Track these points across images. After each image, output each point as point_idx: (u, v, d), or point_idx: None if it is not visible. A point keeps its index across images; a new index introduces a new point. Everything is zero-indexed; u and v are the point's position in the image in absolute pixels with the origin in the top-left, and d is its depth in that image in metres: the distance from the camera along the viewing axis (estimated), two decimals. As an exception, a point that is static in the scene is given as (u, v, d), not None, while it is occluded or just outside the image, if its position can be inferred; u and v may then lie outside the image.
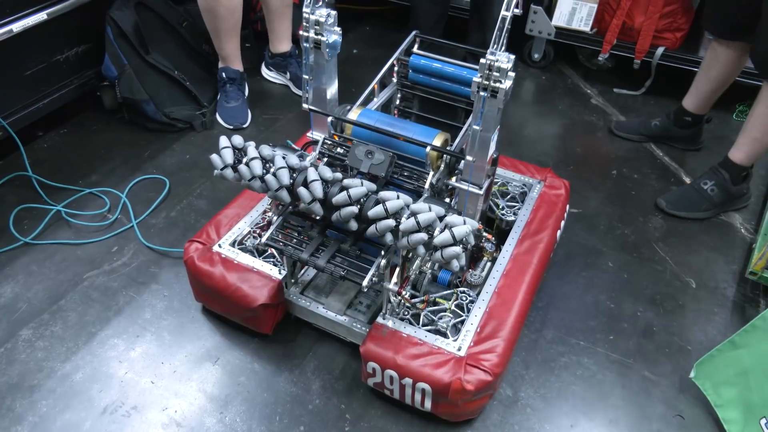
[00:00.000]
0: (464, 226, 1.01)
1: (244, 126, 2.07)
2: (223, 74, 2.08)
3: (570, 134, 2.17)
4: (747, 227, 1.78)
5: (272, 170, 1.12)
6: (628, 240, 1.71)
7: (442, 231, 1.02)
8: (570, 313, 1.49)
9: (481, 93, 1.09)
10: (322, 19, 1.20)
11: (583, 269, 1.61)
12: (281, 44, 2.25)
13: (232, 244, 1.39)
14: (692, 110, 1.98)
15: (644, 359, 1.39)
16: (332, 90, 1.34)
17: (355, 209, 1.06)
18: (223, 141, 1.15)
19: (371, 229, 1.06)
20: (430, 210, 1.03)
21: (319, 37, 1.22)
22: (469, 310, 1.28)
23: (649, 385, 1.34)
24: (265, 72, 2.37)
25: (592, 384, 1.33)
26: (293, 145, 1.71)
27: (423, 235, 1.01)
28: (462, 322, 1.25)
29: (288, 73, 2.29)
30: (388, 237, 1.05)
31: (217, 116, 2.09)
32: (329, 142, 1.31)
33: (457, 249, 1.00)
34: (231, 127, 2.06)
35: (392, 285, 1.17)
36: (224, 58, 2.08)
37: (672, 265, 1.64)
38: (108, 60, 1.91)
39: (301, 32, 1.22)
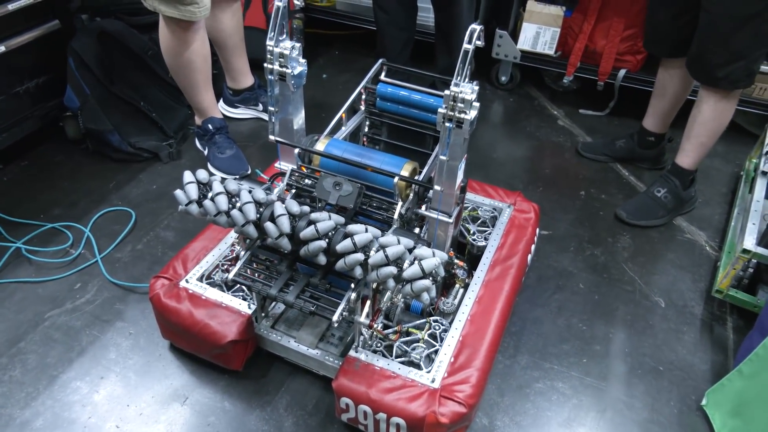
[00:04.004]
0: (433, 258, 1.00)
1: (248, 173, 1.97)
2: (209, 126, 1.96)
3: (538, 156, 2.20)
4: (712, 245, 1.82)
5: (238, 205, 1.10)
6: (597, 261, 1.73)
7: (411, 264, 1.01)
8: (543, 338, 1.49)
9: (447, 124, 1.09)
10: (287, 52, 1.19)
11: (555, 292, 1.62)
12: (245, 79, 2.18)
13: (200, 279, 1.36)
14: (653, 130, 2.04)
15: (617, 381, 1.40)
16: (299, 120, 1.33)
17: (323, 243, 1.05)
18: (187, 176, 1.13)
19: (340, 263, 1.05)
20: (398, 243, 1.02)
21: (284, 69, 1.21)
22: (442, 340, 1.27)
23: (623, 408, 1.34)
24: (229, 111, 2.26)
25: (566, 409, 1.33)
26: (262, 174, 1.70)
27: (392, 269, 1.01)
28: (436, 352, 1.24)
29: (260, 105, 2.25)
30: (357, 271, 1.04)
31: (213, 169, 1.96)
32: (297, 174, 1.30)
33: (427, 282, 0.99)
34: (237, 177, 1.96)
35: (363, 318, 1.15)
36: (204, 110, 1.96)
37: (641, 285, 1.66)
38: (70, 91, 1.87)
39: (265, 65, 1.22)
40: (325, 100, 2.43)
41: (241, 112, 2.27)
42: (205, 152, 2.02)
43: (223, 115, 2.18)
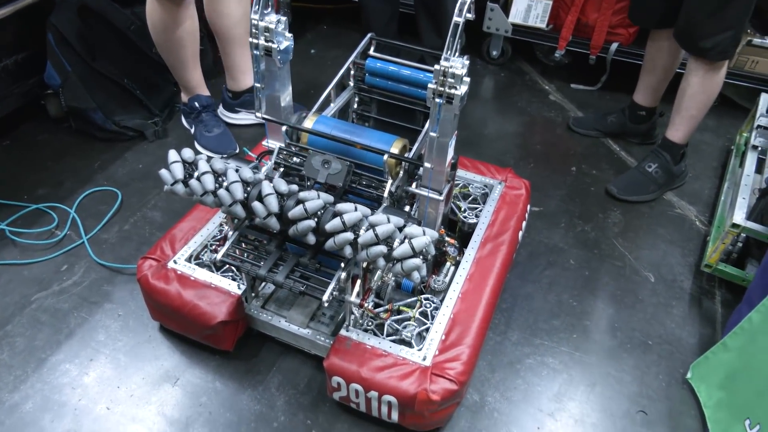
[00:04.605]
0: (424, 237, 0.99)
1: (236, 152, 1.91)
2: (196, 104, 1.89)
3: (529, 131, 2.18)
4: (701, 219, 1.82)
5: (225, 184, 1.08)
6: (588, 237, 1.73)
7: (401, 242, 1.00)
8: (534, 314, 1.49)
9: (437, 100, 1.07)
10: (272, 26, 1.16)
11: (546, 268, 1.62)
12: (246, 78, 1.97)
13: (188, 259, 1.35)
14: (644, 104, 2.03)
15: (607, 356, 1.41)
16: (286, 97, 1.30)
17: (312, 223, 1.04)
18: (173, 155, 1.11)
19: (329, 242, 1.03)
20: (388, 221, 1.01)
21: (270, 44, 1.18)
22: (433, 317, 1.26)
23: (612, 382, 1.36)
24: (229, 116, 2.07)
25: (557, 384, 1.34)
26: (250, 153, 1.67)
27: (382, 248, 1.00)
28: (427, 329, 1.24)
29: None
30: (347, 250, 1.03)
31: (200, 148, 1.91)
32: (285, 152, 1.28)
33: (417, 261, 0.98)
34: (224, 156, 1.85)
35: (354, 298, 1.14)
36: (191, 88, 1.89)
37: (631, 260, 1.67)
38: (50, 67, 1.82)
39: (250, 39, 1.18)
40: (314, 77, 2.38)
41: (243, 118, 2.06)
42: (192, 130, 1.98)
43: (224, 121, 2.04)
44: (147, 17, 1.70)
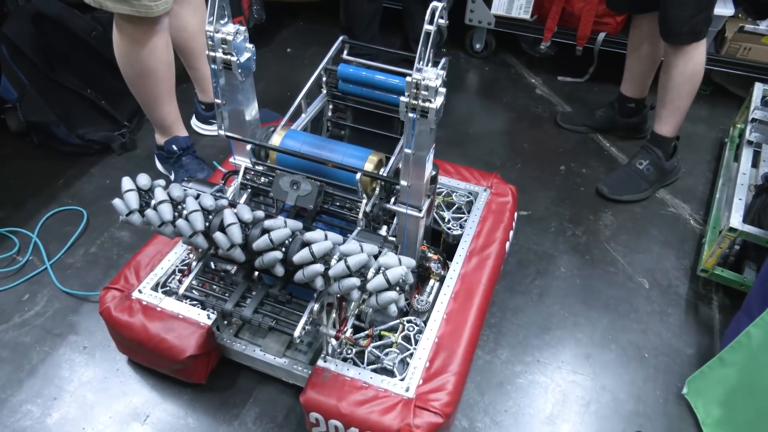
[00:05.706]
0: (399, 267, 0.91)
1: None
2: (173, 147, 1.71)
3: (516, 129, 2.10)
4: (696, 218, 1.75)
5: (184, 214, 0.99)
6: (579, 241, 1.66)
7: (375, 273, 0.92)
8: (524, 328, 1.42)
9: (410, 114, 0.98)
10: (230, 37, 1.07)
11: (536, 277, 1.55)
12: None
13: (155, 288, 1.26)
14: (632, 95, 1.95)
15: (601, 372, 1.34)
16: (251, 111, 1.21)
17: (278, 254, 0.95)
18: (126, 183, 1.02)
19: (298, 274, 0.95)
20: (362, 250, 0.93)
21: (229, 56, 1.09)
22: (416, 342, 1.19)
23: (607, 400, 1.29)
24: (202, 128, 1.99)
25: (549, 405, 1.28)
26: (219, 167, 1.58)
27: (355, 281, 0.92)
28: (410, 355, 1.17)
29: None
30: (318, 282, 0.95)
31: None
32: (252, 172, 1.19)
33: (393, 294, 0.90)
34: (185, 180, 1.76)
35: (329, 330, 1.07)
36: (167, 127, 1.69)
37: (624, 265, 1.60)
38: (5, 81, 1.71)
39: (207, 53, 1.09)
40: (290, 77, 2.29)
41: (214, 130, 1.98)
42: (172, 177, 1.78)
43: (196, 132, 1.95)
44: (114, 47, 1.50)
